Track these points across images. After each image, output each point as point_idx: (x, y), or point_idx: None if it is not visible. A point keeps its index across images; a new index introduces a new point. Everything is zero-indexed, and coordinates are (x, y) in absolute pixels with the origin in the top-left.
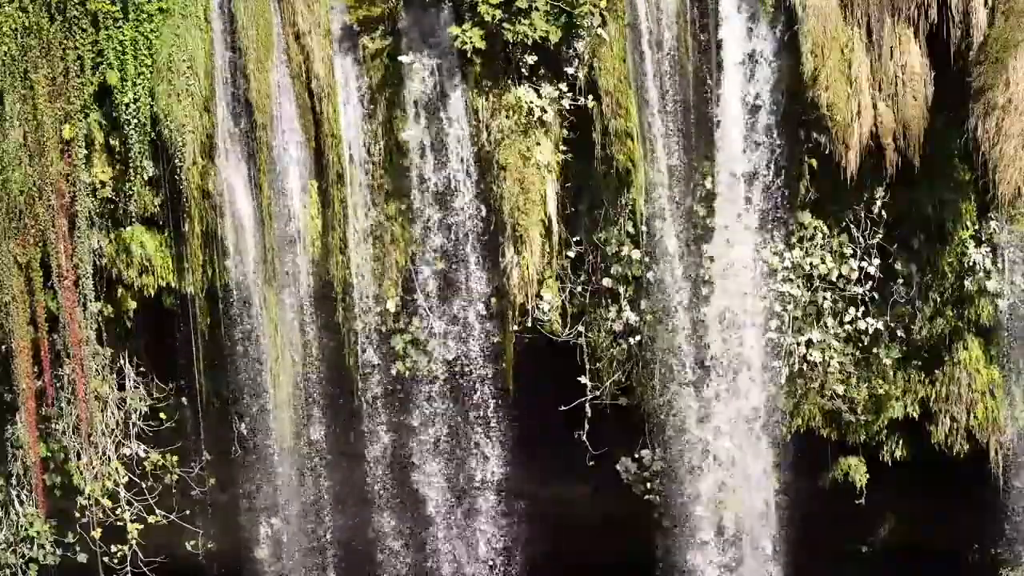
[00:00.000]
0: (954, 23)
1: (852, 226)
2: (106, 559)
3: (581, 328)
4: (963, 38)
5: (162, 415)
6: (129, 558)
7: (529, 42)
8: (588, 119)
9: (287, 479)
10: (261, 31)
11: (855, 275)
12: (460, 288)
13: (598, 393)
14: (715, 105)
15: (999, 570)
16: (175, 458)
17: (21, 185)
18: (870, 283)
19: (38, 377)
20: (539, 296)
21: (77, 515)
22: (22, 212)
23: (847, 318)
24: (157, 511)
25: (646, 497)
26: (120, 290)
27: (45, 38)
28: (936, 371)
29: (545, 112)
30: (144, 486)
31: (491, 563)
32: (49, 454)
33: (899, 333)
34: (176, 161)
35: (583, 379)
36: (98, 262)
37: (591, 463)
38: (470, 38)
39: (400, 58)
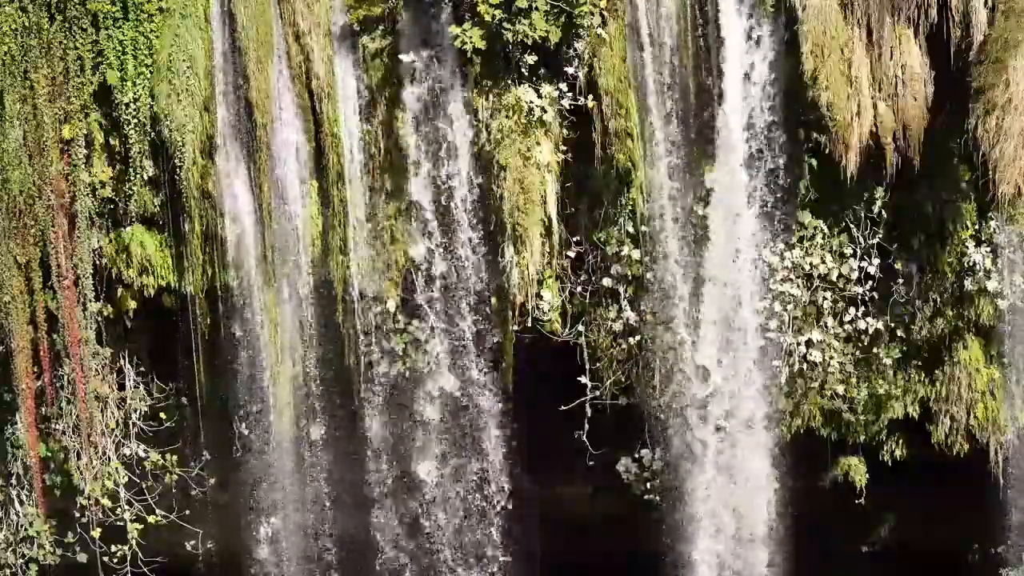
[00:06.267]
0: (954, 23)
1: (852, 226)
2: (106, 559)
3: (581, 328)
4: (963, 38)
5: (162, 415)
6: (129, 558)
7: (529, 42)
8: (588, 119)
9: (287, 479)
10: (261, 31)
11: (855, 275)
12: (460, 288)
13: (598, 393)
14: (715, 104)
15: (999, 570)
16: (175, 458)
17: (21, 185)
18: (870, 283)
19: (38, 377)
20: (539, 296)
21: (77, 515)
22: (22, 212)
23: (847, 318)
24: (157, 511)
25: (646, 497)
26: (120, 290)
27: (45, 38)
28: (936, 371)
29: (545, 112)
30: (144, 486)
31: (491, 563)
32: (49, 454)
33: (899, 333)
34: (176, 161)
35: (583, 379)
36: (98, 262)
37: (591, 463)
38: (470, 38)
39: (400, 56)
